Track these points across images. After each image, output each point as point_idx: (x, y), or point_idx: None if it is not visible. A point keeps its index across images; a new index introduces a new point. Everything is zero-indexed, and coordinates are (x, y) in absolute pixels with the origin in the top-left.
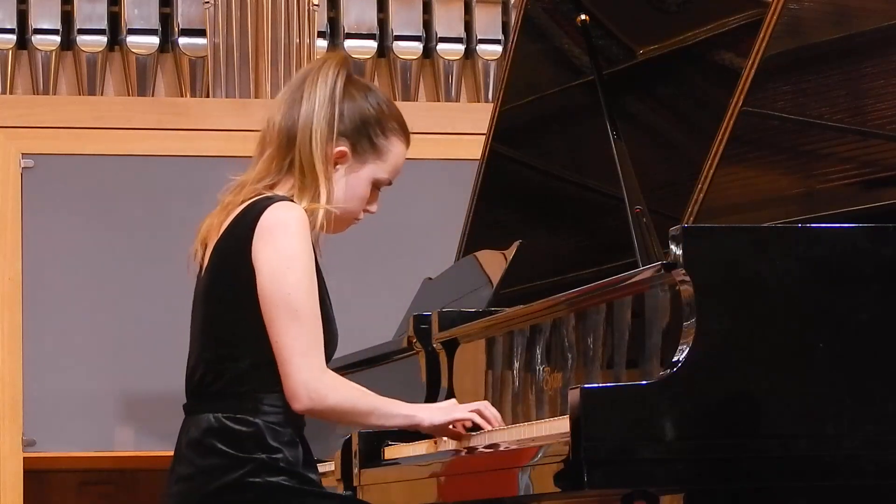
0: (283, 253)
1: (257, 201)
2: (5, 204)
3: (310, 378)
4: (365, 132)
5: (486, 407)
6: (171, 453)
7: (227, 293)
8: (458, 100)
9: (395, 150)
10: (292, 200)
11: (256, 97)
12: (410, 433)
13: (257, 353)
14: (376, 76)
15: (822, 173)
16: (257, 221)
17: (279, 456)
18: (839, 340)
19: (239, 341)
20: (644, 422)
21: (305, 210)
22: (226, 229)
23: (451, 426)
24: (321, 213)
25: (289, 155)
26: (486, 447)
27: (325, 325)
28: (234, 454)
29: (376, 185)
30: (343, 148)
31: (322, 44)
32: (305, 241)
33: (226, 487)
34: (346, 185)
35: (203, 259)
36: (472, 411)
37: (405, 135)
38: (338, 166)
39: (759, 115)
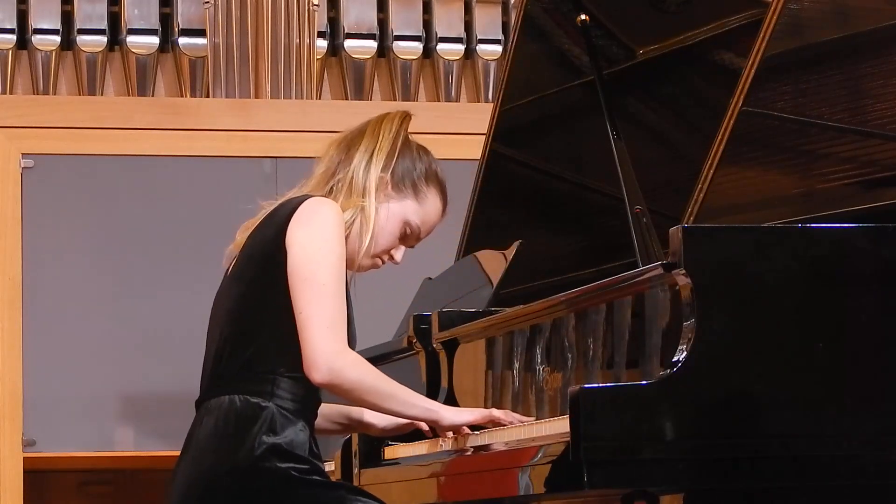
0: (319, 235)
1: (295, 197)
2: (5, 204)
3: (332, 350)
4: (410, 174)
5: (507, 415)
6: (172, 453)
7: (257, 273)
8: (458, 100)
9: (431, 200)
10: None
11: (256, 97)
12: (410, 433)
13: (278, 335)
14: (376, 76)
15: (822, 173)
16: (295, 211)
17: (289, 440)
18: (839, 340)
19: (262, 320)
20: (644, 422)
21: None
22: (263, 220)
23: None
24: (356, 224)
25: (342, 171)
26: (486, 447)
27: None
28: (245, 438)
29: (405, 234)
30: (385, 176)
31: (322, 44)
32: (340, 232)
33: (235, 471)
34: (382, 215)
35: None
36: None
37: (443, 197)
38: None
39: (759, 115)
